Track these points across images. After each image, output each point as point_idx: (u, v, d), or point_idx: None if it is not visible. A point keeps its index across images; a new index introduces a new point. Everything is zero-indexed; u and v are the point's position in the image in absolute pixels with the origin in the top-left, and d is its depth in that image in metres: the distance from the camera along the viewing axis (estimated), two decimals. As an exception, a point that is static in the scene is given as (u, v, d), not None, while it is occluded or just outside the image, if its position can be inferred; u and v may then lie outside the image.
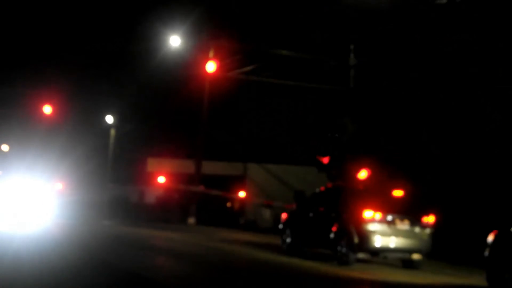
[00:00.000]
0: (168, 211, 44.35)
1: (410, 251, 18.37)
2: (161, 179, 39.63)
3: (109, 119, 48.78)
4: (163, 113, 49.14)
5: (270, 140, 43.36)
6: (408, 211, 18.46)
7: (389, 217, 18.05)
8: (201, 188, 32.56)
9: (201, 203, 39.81)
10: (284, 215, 21.98)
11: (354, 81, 32.45)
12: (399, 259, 18.97)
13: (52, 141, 50.22)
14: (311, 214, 20.30)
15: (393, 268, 18.79)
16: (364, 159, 29.80)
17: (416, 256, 18.46)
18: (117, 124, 49.43)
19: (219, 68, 34.77)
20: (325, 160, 33.02)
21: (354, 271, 16.88)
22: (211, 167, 42.00)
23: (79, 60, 48.42)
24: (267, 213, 39.50)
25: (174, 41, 34.38)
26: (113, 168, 50.87)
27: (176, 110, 46.56)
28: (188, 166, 41.64)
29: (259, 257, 19.67)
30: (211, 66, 34.37)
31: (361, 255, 18.39)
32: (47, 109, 40.32)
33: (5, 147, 63.00)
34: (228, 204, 45.53)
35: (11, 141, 60.45)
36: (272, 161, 42.43)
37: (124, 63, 47.38)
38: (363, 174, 28.75)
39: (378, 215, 17.92)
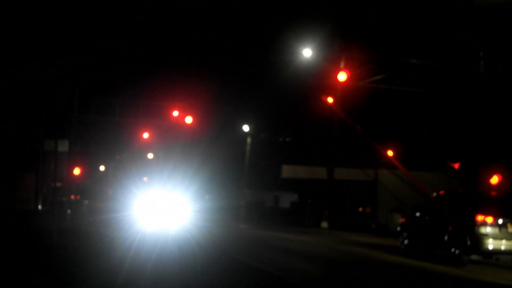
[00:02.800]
0: (302, 216, 45.51)
1: None
2: None
3: (246, 128, 50.75)
4: (296, 121, 50.53)
5: (400, 147, 43.68)
6: None
7: (500, 221, 18.94)
8: None
9: (334, 208, 40.68)
10: (403, 219, 23.34)
11: (484, 88, 32.59)
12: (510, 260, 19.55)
13: (192, 150, 52.77)
14: (426, 218, 21.44)
15: (508, 270, 19.02)
16: (495, 165, 30.36)
17: None
18: (253, 133, 51.25)
19: (350, 77, 35.68)
20: (456, 166, 33.50)
21: (468, 272, 17.77)
22: (343, 173, 42.77)
23: (217, 73, 50.79)
24: (398, 217, 39.83)
25: (307, 53, 35.68)
26: (249, 174, 52.61)
27: (309, 118, 47.82)
28: (321, 172, 42.60)
29: (383, 258, 20.47)
30: (342, 76, 35.18)
31: (474, 257, 19.33)
32: (188, 119, 42.51)
33: (150, 155, 66.61)
34: (360, 209, 46.27)
35: (155, 150, 63.78)
36: (403, 167, 42.66)
37: (260, 74, 49.26)
38: (495, 179, 29.66)
39: (490, 219, 18.88)
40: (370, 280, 15.72)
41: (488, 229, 18.83)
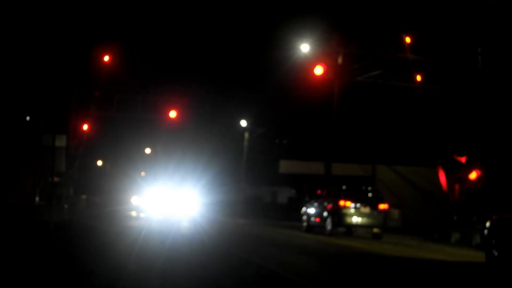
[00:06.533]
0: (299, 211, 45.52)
1: (371, 226, 27.97)
2: None
3: (243, 123, 50.77)
4: (294, 117, 50.55)
5: (398, 142, 43.72)
6: (370, 201, 28.08)
7: (357, 205, 27.79)
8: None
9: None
10: (306, 203, 31.52)
11: (481, 83, 32.60)
12: (366, 232, 28.89)
13: (194, 144, 52.79)
14: (316, 204, 30.13)
15: (364, 238, 27.63)
16: (474, 160, 31.13)
17: (376, 230, 27.94)
18: (250, 128, 51.27)
19: (347, 73, 35.71)
20: (463, 159, 33.43)
21: (334, 239, 25.82)
22: (340, 169, 42.83)
23: (217, 69, 50.83)
24: (395, 213, 39.86)
25: (304, 48, 35.67)
26: (247, 169, 52.66)
27: (306, 114, 47.86)
28: (318, 167, 42.65)
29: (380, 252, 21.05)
30: (318, 70, 35.07)
31: (340, 229, 28.95)
32: (177, 114, 42.44)
33: (147, 150, 66.66)
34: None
35: (153, 144, 63.77)
36: (401, 163, 42.74)
37: (258, 69, 49.28)
38: (473, 174, 30.89)
39: (348, 203, 27.82)
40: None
41: (347, 210, 27.67)
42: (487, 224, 18.36)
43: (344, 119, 40.60)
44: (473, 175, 31.44)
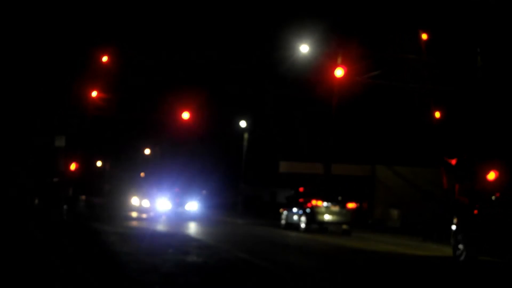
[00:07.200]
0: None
1: (340, 223, 30.50)
2: None
3: (243, 123, 50.74)
4: (293, 117, 50.54)
5: (398, 142, 43.68)
6: (339, 200, 30.77)
7: (327, 204, 30.41)
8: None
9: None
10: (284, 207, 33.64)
11: (481, 83, 32.61)
12: (337, 229, 30.66)
13: (191, 145, 52.78)
14: (293, 204, 32.31)
15: (335, 234, 29.64)
16: (492, 161, 30.59)
17: (344, 227, 30.45)
18: (250, 128, 51.23)
19: (347, 73, 35.64)
20: (453, 161, 33.62)
21: (307, 234, 28.56)
22: (340, 169, 42.78)
23: (217, 68, 50.87)
24: (395, 213, 39.84)
25: (304, 49, 35.68)
26: (246, 170, 52.64)
27: (306, 114, 47.85)
28: (317, 168, 42.62)
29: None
30: (339, 72, 35.12)
31: (313, 226, 30.83)
32: (185, 115, 42.46)
33: (147, 151, 66.66)
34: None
35: (152, 145, 63.80)
36: (400, 163, 42.67)
37: (258, 70, 49.30)
38: (491, 175, 30.14)
39: (319, 203, 30.44)
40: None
41: (319, 209, 30.27)
42: (454, 220, 19.27)
43: (344, 119, 40.58)
44: (491, 176, 30.29)
